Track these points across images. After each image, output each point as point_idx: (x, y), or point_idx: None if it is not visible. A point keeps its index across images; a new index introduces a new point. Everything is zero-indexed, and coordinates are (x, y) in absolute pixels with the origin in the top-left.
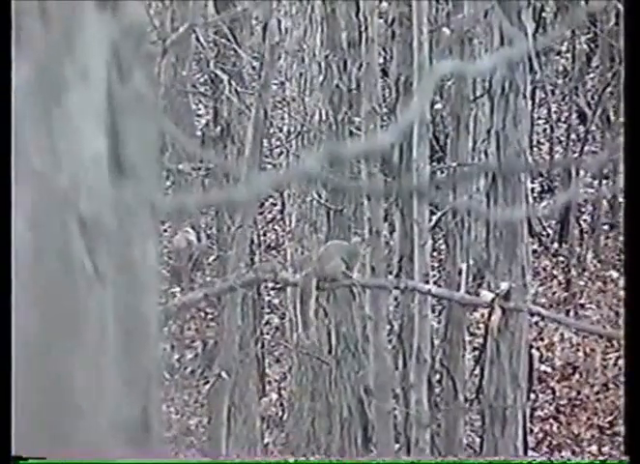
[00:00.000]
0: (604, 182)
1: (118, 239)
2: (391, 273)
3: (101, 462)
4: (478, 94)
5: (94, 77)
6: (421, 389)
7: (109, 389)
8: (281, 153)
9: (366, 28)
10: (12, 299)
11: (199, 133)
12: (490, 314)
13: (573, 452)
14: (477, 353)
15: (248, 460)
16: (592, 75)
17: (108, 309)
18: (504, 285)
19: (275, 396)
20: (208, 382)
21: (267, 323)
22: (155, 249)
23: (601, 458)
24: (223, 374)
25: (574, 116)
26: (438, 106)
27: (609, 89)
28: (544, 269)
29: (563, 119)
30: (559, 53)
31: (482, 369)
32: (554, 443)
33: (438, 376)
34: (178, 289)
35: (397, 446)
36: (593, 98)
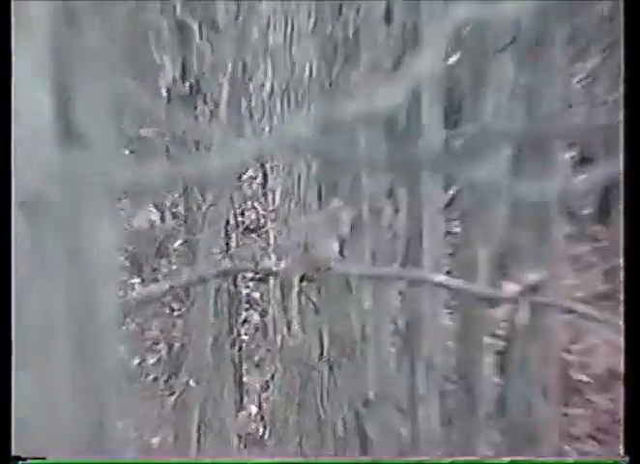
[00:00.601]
0: None
1: (67, 220)
2: (395, 260)
3: (101, 462)
4: (501, 44)
5: (37, 28)
6: (432, 401)
7: (57, 400)
8: (263, 115)
9: None
10: (12, 299)
11: (164, 92)
12: (515, 311)
13: None
14: (499, 358)
15: (248, 460)
16: None
17: (56, 305)
18: (532, 276)
19: (254, 409)
20: (174, 392)
21: (245, 321)
22: (110, 232)
23: None
24: (192, 382)
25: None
26: (453, 60)
27: None
28: (581, 256)
29: (605, 75)
30: None
31: (506, 378)
32: None
33: (452, 386)
34: (138, 280)
35: None
36: None
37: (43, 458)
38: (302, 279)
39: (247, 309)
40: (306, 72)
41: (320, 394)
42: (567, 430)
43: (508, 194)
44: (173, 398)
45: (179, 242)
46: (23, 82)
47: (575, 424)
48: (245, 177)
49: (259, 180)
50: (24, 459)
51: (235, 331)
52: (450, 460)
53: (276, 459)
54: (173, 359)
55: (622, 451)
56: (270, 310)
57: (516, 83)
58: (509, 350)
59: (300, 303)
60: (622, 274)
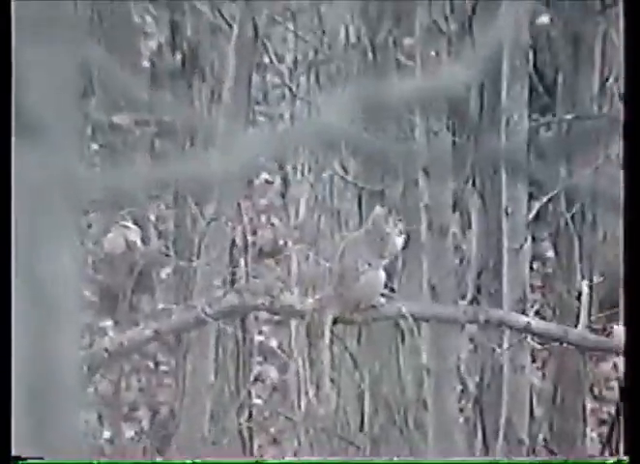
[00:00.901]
0: None
1: (15, 239)
2: (463, 297)
3: (100, 462)
4: (608, 2)
5: None
6: None
7: None
8: (283, 97)
9: None
10: (12, 300)
11: (146, 65)
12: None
13: None
14: (605, 429)
15: (248, 460)
16: None
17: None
18: (623, 293)
19: None
20: None
21: (257, 380)
22: (73, 256)
23: None
24: None
25: None
26: (543, 22)
27: None
28: None
29: None
30: None
31: (616, 451)
32: None
33: None
34: (111, 322)
35: None
36: None
37: (41, 458)
38: (335, 322)
39: (260, 363)
40: (341, 39)
41: None
42: None
43: (619, 205)
44: None
45: (167, 270)
46: None
47: None
48: (257, 182)
49: (277, 186)
50: (24, 459)
51: (243, 393)
52: (450, 460)
53: (277, 459)
54: (158, 431)
55: None
56: (292, 364)
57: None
58: (619, 419)
59: (332, 354)
60: None
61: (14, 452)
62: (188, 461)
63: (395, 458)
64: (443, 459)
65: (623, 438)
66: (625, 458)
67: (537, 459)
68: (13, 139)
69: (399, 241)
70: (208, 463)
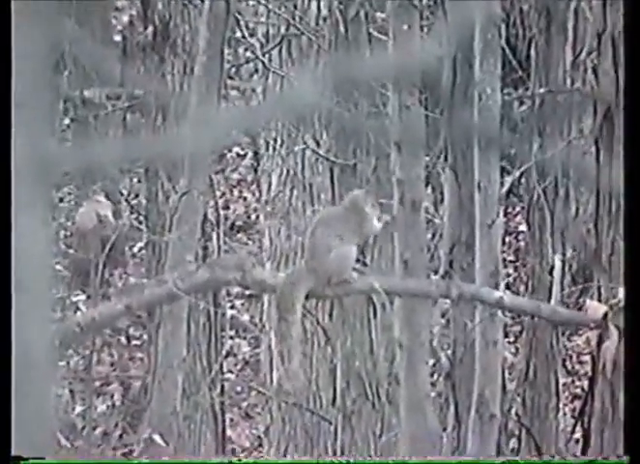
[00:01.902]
0: None
1: None
2: (436, 272)
3: (101, 462)
4: None
5: None
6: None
7: None
8: (255, 71)
9: None
10: (12, 300)
11: (118, 39)
12: (601, 339)
13: None
14: (577, 403)
15: (249, 460)
16: None
17: None
18: (623, 292)
19: None
20: (132, 451)
21: (229, 354)
22: (45, 231)
23: None
24: (157, 439)
25: None
26: None
27: None
28: None
29: None
30: None
31: (588, 430)
32: None
33: (515, 441)
34: (83, 297)
35: None
36: None
37: (42, 458)
38: (307, 296)
39: (232, 338)
40: (313, 12)
41: (333, 454)
42: None
43: (590, 180)
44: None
45: (139, 245)
46: None
47: None
48: (229, 156)
49: (249, 160)
50: (25, 459)
51: (215, 367)
52: (450, 460)
53: (276, 459)
54: (130, 406)
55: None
56: (264, 339)
57: (602, 27)
58: (592, 391)
59: (304, 328)
60: None
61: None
62: (187, 461)
63: (394, 458)
64: (444, 459)
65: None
66: (626, 458)
67: (534, 460)
68: None
69: (372, 216)
70: (208, 463)
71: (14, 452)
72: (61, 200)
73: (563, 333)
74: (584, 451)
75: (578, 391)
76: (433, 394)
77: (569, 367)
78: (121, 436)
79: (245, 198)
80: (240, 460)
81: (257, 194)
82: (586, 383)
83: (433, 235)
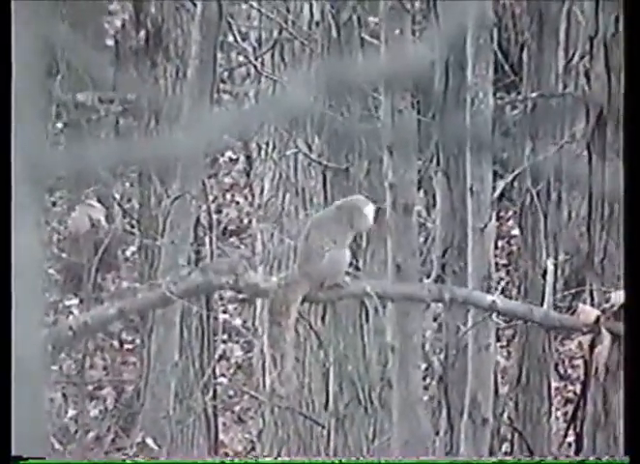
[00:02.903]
0: None
1: None
2: (428, 276)
3: (102, 462)
4: None
5: None
6: None
7: None
8: (247, 75)
9: None
10: (12, 300)
11: (111, 43)
12: (593, 343)
13: None
14: (570, 407)
15: (249, 460)
16: None
17: None
18: (616, 296)
19: None
20: (125, 455)
21: (222, 358)
22: (37, 235)
23: None
24: (150, 442)
25: None
26: None
27: None
28: None
29: None
30: None
31: (580, 435)
32: None
33: (507, 445)
34: (75, 301)
35: None
36: None
37: (43, 458)
38: (302, 301)
39: (224, 341)
40: (306, 16)
41: (325, 458)
42: None
43: (583, 184)
44: None
45: (132, 249)
46: None
47: None
48: (222, 160)
49: (242, 164)
50: (25, 459)
51: (207, 371)
52: (450, 460)
53: (277, 459)
54: (123, 410)
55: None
56: (256, 343)
57: (595, 30)
58: (584, 396)
59: (297, 332)
60: None
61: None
62: (188, 461)
63: (395, 458)
64: (443, 459)
65: (623, 438)
66: (626, 458)
67: (534, 459)
68: None
69: (365, 220)
70: (208, 463)
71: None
72: (54, 204)
73: (555, 338)
74: (576, 455)
75: (570, 395)
76: (426, 398)
77: (562, 371)
78: (114, 440)
79: (237, 202)
80: (233, 461)
81: (250, 198)
82: (578, 387)
83: (425, 239)
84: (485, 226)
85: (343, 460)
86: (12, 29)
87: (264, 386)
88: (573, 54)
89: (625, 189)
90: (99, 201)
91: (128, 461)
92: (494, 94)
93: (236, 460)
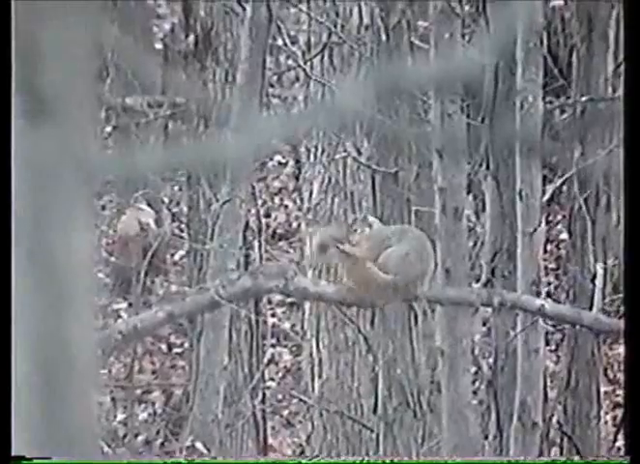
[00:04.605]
0: None
1: (27, 222)
2: (477, 280)
3: (104, 462)
4: None
5: None
6: None
7: None
8: (296, 79)
9: None
10: (12, 300)
11: (160, 46)
12: None
13: None
14: (619, 412)
15: (248, 460)
16: None
17: (14, 338)
18: (623, 291)
19: None
20: (174, 458)
21: (271, 362)
22: (86, 238)
23: None
24: (199, 446)
25: None
26: (557, 3)
27: None
28: None
29: None
30: None
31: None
32: None
33: (556, 449)
34: (124, 304)
35: None
36: None
37: (49, 458)
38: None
39: (273, 346)
40: (355, 20)
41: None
42: None
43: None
44: None
45: (180, 252)
46: None
47: None
48: (271, 164)
49: (290, 168)
50: (29, 459)
51: (256, 375)
52: (450, 460)
53: (275, 459)
54: (172, 414)
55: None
56: (305, 346)
57: None
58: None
59: (346, 336)
60: None
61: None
62: (183, 461)
63: (397, 458)
64: (443, 459)
65: (623, 438)
66: (626, 458)
67: (541, 460)
68: (21, 123)
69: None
70: (207, 463)
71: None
72: (103, 208)
73: (604, 342)
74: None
75: (619, 399)
76: (475, 402)
77: (611, 376)
78: (162, 444)
79: (286, 206)
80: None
81: (298, 202)
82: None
83: (475, 243)
84: (534, 230)
85: (344, 460)
86: (11, 29)
87: (313, 390)
88: (623, 58)
89: (624, 187)
90: (148, 205)
91: (129, 461)
92: (543, 98)
93: (236, 460)
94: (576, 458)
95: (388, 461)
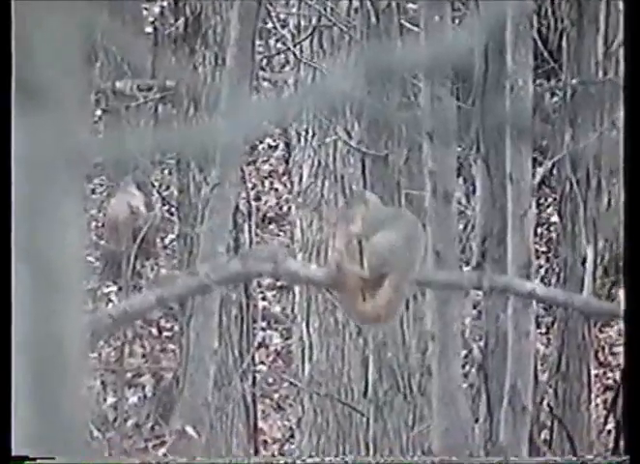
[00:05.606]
0: None
1: (18, 205)
2: (468, 263)
3: (111, 463)
4: None
5: None
6: (520, 452)
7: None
8: (286, 63)
9: None
10: (12, 299)
11: (149, 30)
12: None
13: None
14: (609, 395)
15: (248, 460)
16: None
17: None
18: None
19: None
20: (164, 442)
21: (261, 345)
22: (76, 222)
23: None
24: (189, 430)
25: None
26: None
27: None
28: None
29: None
30: None
31: (620, 422)
32: None
33: (546, 432)
34: (114, 288)
35: None
36: None
37: (53, 458)
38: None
39: (263, 329)
40: (345, 3)
41: (365, 446)
42: None
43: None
44: (162, 452)
45: (170, 236)
46: None
47: None
48: (261, 147)
49: (281, 151)
50: (33, 459)
51: (247, 359)
52: (449, 460)
53: (276, 459)
54: (162, 398)
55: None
56: (295, 330)
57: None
58: (625, 384)
59: (336, 320)
60: None
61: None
62: (182, 460)
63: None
64: (443, 459)
65: (623, 438)
66: (626, 458)
67: (538, 459)
68: (13, 106)
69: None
70: (206, 462)
71: (44, 444)
72: (93, 191)
73: (595, 325)
74: (616, 442)
75: (610, 382)
76: (465, 386)
77: (602, 359)
78: (153, 427)
79: (276, 190)
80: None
81: (289, 186)
82: (618, 374)
83: (465, 226)
84: (525, 213)
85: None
86: (11, 29)
87: (303, 373)
88: (613, 41)
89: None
90: (137, 188)
91: (131, 461)
92: (534, 81)
93: (236, 460)
94: (570, 456)
95: (389, 461)
